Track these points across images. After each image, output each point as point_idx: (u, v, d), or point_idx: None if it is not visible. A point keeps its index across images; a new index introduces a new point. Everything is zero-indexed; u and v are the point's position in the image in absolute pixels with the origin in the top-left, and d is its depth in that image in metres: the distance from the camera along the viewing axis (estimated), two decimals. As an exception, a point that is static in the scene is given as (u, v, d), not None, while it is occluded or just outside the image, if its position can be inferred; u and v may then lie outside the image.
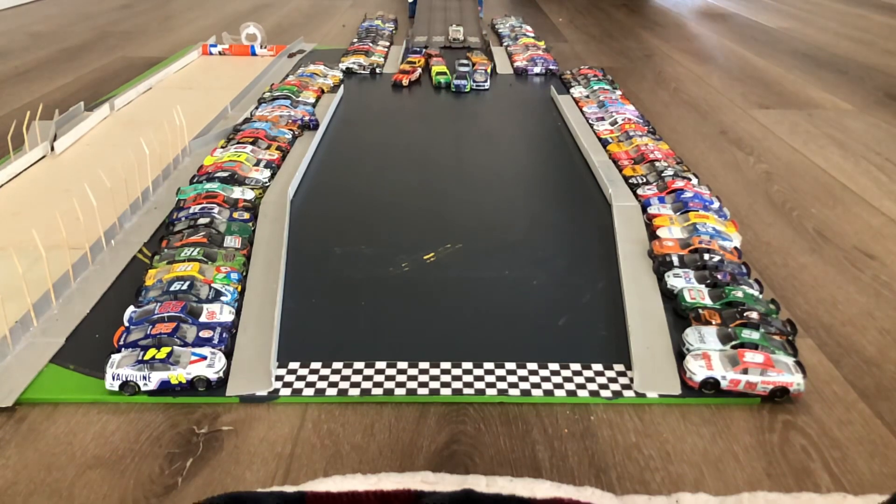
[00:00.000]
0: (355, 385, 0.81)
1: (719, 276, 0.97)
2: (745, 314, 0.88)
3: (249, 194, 1.22)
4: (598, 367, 0.84)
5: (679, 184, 1.25)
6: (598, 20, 3.17)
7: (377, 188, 1.34)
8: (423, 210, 1.25)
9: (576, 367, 0.84)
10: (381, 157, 1.49)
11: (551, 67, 2.15)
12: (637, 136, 1.50)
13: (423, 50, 2.33)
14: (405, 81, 2.04)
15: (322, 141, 1.57)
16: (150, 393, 0.79)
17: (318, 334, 0.90)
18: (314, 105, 1.75)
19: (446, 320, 0.93)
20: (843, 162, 1.53)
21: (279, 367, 0.84)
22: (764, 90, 2.08)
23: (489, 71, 2.11)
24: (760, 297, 0.94)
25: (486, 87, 1.99)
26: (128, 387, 0.78)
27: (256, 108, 1.69)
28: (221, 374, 0.80)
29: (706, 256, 1.02)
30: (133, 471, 0.69)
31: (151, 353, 0.79)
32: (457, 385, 0.81)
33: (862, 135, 1.70)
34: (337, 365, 0.84)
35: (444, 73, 2.02)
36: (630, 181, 1.32)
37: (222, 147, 1.42)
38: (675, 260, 1.03)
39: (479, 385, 0.81)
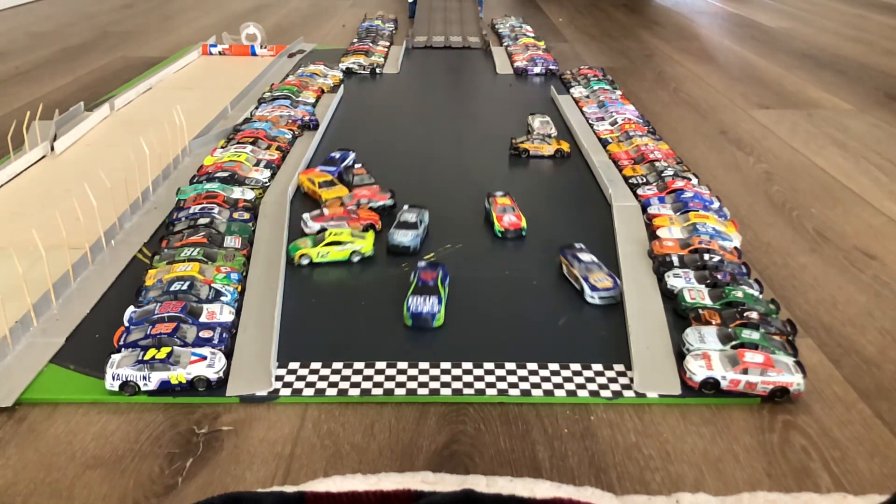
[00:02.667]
0: (355, 385, 0.81)
1: (719, 276, 0.97)
2: (745, 314, 0.88)
3: (249, 194, 1.22)
4: (598, 367, 0.84)
5: (679, 184, 1.25)
6: (598, 20, 3.17)
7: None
8: (423, 210, 1.25)
9: (576, 367, 0.84)
10: (381, 157, 1.49)
11: (551, 67, 2.15)
12: (637, 136, 1.50)
13: (354, 168, 1.33)
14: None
15: (322, 141, 1.57)
16: (150, 393, 0.79)
17: (318, 334, 0.90)
18: (314, 105, 1.75)
19: (446, 320, 0.93)
20: (843, 162, 1.52)
21: (279, 367, 0.84)
22: (764, 90, 2.08)
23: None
24: (760, 297, 0.94)
25: (614, 294, 0.97)
26: (128, 387, 0.78)
27: (256, 108, 1.69)
28: (221, 374, 0.80)
29: (706, 256, 1.02)
30: (133, 471, 0.69)
31: (151, 353, 0.79)
32: (457, 385, 0.81)
33: (862, 135, 1.70)
34: (337, 365, 0.84)
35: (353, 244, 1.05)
36: (630, 181, 1.32)
37: (222, 147, 1.42)
38: (675, 260, 1.03)
39: (479, 385, 0.81)
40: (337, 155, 1.40)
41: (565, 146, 1.45)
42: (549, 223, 1.20)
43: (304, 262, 1.03)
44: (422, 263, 1.00)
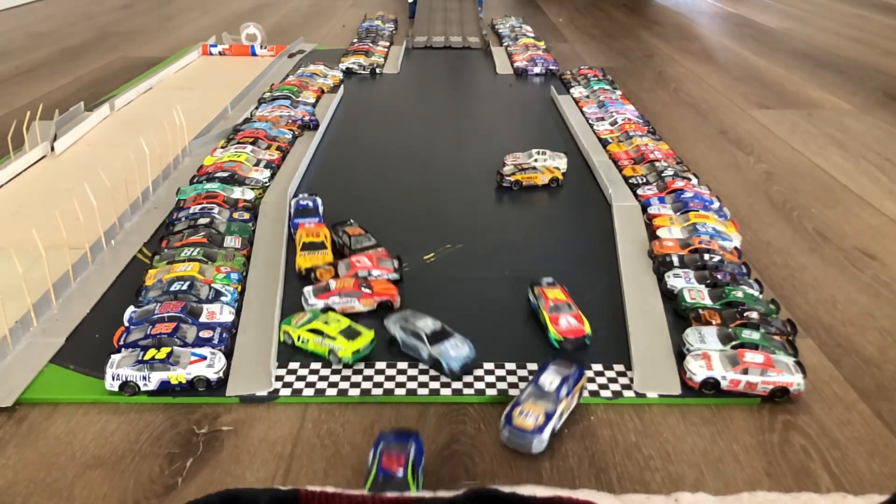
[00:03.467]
0: (355, 385, 0.81)
1: (719, 276, 0.97)
2: (745, 314, 0.88)
3: (249, 194, 1.22)
4: (598, 367, 0.84)
5: (679, 184, 1.25)
6: (598, 20, 3.17)
7: (377, 188, 1.34)
8: (423, 210, 1.25)
9: (576, 367, 0.84)
10: (381, 158, 1.49)
11: (551, 67, 2.15)
12: (637, 136, 1.50)
13: (348, 226, 1.09)
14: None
15: (322, 141, 1.57)
16: (150, 393, 0.79)
17: (318, 334, 0.90)
18: (314, 105, 1.75)
19: (446, 320, 0.93)
20: (843, 162, 1.52)
21: (279, 367, 0.84)
22: (764, 90, 2.08)
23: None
24: (760, 297, 0.94)
25: (524, 442, 0.72)
26: (128, 387, 0.78)
27: (256, 108, 1.69)
28: (221, 374, 0.80)
29: (706, 256, 1.02)
30: (133, 471, 0.69)
31: (151, 353, 0.79)
32: (457, 385, 0.81)
33: (862, 135, 1.70)
34: (337, 365, 0.84)
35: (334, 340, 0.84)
36: (630, 181, 1.32)
37: (222, 147, 1.42)
38: (675, 260, 1.03)
39: (479, 385, 0.81)
40: (310, 203, 1.17)
41: (558, 174, 1.35)
42: (549, 223, 1.20)
43: (288, 340, 0.86)
44: (386, 431, 0.67)
